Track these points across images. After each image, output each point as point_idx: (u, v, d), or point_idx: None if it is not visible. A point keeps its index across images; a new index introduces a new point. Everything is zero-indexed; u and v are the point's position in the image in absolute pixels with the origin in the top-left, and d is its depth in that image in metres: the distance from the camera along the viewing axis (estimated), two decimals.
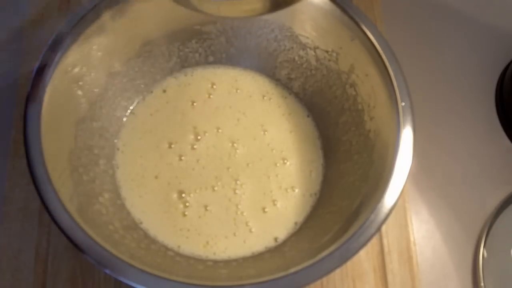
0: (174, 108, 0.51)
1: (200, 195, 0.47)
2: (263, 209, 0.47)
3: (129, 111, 0.50)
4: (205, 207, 0.47)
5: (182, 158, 0.49)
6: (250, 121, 0.51)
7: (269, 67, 0.52)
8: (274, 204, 0.48)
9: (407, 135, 0.40)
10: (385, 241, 0.48)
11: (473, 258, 0.50)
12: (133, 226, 0.45)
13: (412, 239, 0.48)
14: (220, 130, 0.50)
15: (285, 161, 0.50)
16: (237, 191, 0.48)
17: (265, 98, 0.52)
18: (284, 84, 0.53)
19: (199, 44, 0.51)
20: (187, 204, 0.47)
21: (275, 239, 0.47)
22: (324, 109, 0.50)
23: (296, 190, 0.49)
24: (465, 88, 0.57)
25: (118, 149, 0.49)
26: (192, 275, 0.42)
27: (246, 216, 0.47)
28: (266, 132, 0.51)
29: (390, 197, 0.38)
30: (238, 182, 0.48)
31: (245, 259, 0.46)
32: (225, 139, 0.50)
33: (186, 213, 0.47)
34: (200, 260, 0.45)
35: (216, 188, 0.48)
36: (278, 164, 0.49)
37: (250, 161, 0.49)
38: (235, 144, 0.50)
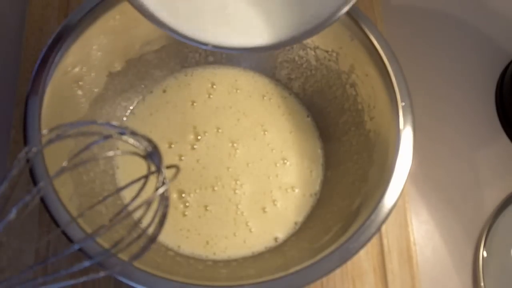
0: (174, 108, 0.51)
1: (200, 195, 0.47)
2: (263, 209, 0.47)
3: (129, 111, 0.50)
4: (205, 207, 0.47)
5: (182, 158, 0.49)
6: (250, 121, 0.51)
7: (269, 67, 0.52)
8: (274, 204, 0.48)
9: (407, 135, 0.40)
10: (385, 241, 0.48)
11: (473, 258, 0.50)
12: (133, 226, 0.45)
13: (412, 239, 0.48)
14: (220, 130, 0.50)
15: (285, 161, 0.50)
16: (237, 191, 0.48)
17: (265, 98, 0.52)
18: (284, 84, 0.53)
19: None
20: (187, 204, 0.47)
21: (275, 239, 0.47)
22: (324, 109, 0.50)
23: (296, 190, 0.49)
24: (465, 88, 0.57)
25: (118, 149, 0.48)
26: (192, 275, 0.42)
27: (246, 216, 0.47)
28: (266, 132, 0.51)
29: (390, 197, 0.38)
30: (238, 182, 0.48)
31: (245, 259, 0.46)
32: (225, 139, 0.50)
33: (186, 213, 0.47)
34: (200, 260, 0.45)
35: (216, 188, 0.48)
36: (278, 164, 0.49)
37: (250, 161, 0.49)
38: (235, 144, 0.50)
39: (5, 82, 0.52)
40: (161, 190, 0.30)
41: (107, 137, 0.31)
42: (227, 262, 0.45)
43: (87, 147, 0.30)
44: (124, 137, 0.31)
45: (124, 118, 0.50)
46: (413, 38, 0.58)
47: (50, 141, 0.30)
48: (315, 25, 0.35)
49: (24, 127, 0.38)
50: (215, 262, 0.45)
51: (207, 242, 0.46)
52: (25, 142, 0.37)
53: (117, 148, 0.48)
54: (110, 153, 0.35)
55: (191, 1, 0.35)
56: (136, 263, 0.35)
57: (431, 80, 0.57)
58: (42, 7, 0.53)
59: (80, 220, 0.36)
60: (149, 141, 0.31)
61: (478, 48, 0.59)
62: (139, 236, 0.30)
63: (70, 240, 0.35)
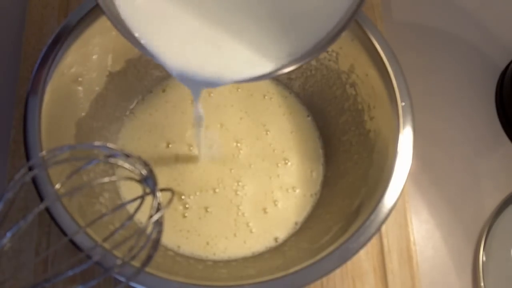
0: (174, 107, 0.51)
1: (201, 197, 0.47)
2: (264, 209, 0.47)
3: (128, 111, 0.50)
4: (206, 208, 0.47)
5: (180, 158, 0.49)
6: (253, 120, 0.51)
7: None
8: (275, 205, 0.48)
9: (407, 135, 0.40)
10: (385, 241, 0.48)
11: (473, 258, 0.50)
12: (133, 226, 0.45)
13: (412, 239, 0.48)
14: (224, 127, 0.50)
15: (286, 161, 0.49)
16: (238, 193, 0.48)
17: (266, 97, 0.52)
18: (284, 84, 0.53)
19: None
20: (186, 206, 0.47)
21: (275, 239, 0.47)
22: (324, 109, 0.50)
23: (297, 191, 0.48)
24: (466, 88, 0.57)
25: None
26: (192, 275, 0.42)
27: (247, 217, 0.47)
28: (268, 132, 0.50)
29: (390, 197, 0.38)
30: (240, 183, 0.48)
31: (245, 259, 0.45)
32: (229, 137, 0.50)
33: (186, 214, 0.46)
34: (200, 260, 0.45)
35: (217, 190, 0.48)
36: (279, 165, 0.49)
37: (252, 161, 0.49)
38: (238, 144, 0.50)
39: (5, 82, 0.52)
40: (155, 217, 0.30)
41: (103, 160, 0.31)
42: (227, 262, 0.45)
43: (79, 169, 0.30)
44: (120, 162, 0.31)
45: (124, 118, 0.50)
46: (413, 38, 0.58)
47: (47, 166, 0.30)
48: (291, 60, 0.33)
49: (24, 127, 0.38)
50: (215, 262, 0.45)
51: (207, 243, 0.46)
52: (25, 142, 0.37)
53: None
54: (106, 179, 0.35)
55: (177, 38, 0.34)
56: (135, 263, 0.35)
57: (431, 80, 0.57)
58: (42, 7, 0.53)
59: (80, 220, 0.36)
60: (145, 164, 0.31)
61: (478, 48, 0.59)
62: (134, 257, 0.30)
63: (70, 240, 0.35)
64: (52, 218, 0.35)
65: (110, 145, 0.31)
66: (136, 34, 0.32)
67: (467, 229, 0.51)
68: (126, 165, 0.31)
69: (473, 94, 0.57)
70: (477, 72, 0.58)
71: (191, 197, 0.47)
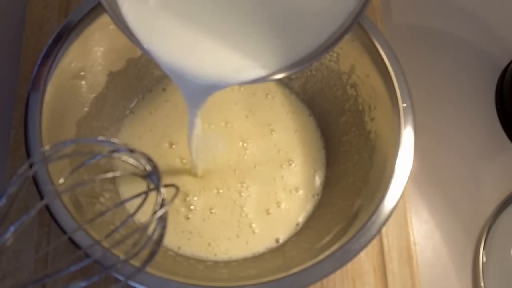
0: (174, 106, 0.51)
1: (205, 198, 0.47)
2: (267, 210, 0.47)
3: (128, 110, 0.50)
4: (210, 210, 0.47)
5: (184, 161, 0.48)
6: (258, 119, 0.51)
7: None
8: (278, 206, 0.48)
9: (408, 136, 0.40)
10: (385, 241, 0.48)
11: (473, 258, 0.50)
12: (133, 226, 0.45)
13: (412, 239, 0.48)
14: (228, 125, 0.50)
15: (291, 162, 0.49)
16: (242, 194, 0.48)
17: (268, 96, 0.52)
18: (284, 84, 0.52)
19: None
20: (191, 207, 0.47)
21: (277, 240, 0.47)
22: (325, 109, 0.50)
23: (300, 192, 0.48)
24: (465, 88, 0.57)
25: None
26: (192, 275, 0.42)
27: (250, 218, 0.47)
28: (273, 132, 0.50)
29: (390, 199, 0.38)
30: (244, 184, 0.48)
31: (245, 259, 0.45)
32: (235, 136, 0.50)
33: (189, 216, 0.46)
34: (201, 260, 0.45)
35: (221, 191, 0.48)
36: (283, 166, 0.49)
37: (258, 162, 0.49)
38: (245, 144, 0.49)
39: (5, 82, 0.52)
40: (159, 213, 0.29)
41: (107, 155, 0.31)
42: (228, 263, 0.45)
43: (83, 164, 0.30)
44: (124, 157, 0.30)
45: (124, 118, 0.50)
46: (414, 39, 0.58)
47: (49, 160, 0.30)
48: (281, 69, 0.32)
49: (25, 126, 0.38)
50: (216, 262, 0.45)
51: (209, 244, 0.46)
52: (26, 141, 0.37)
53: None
54: (109, 175, 0.35)
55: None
56: (135, 263, 0.35)
57: (432, 81, 0.57)
58: (42, 7, 0.53)
59: (80, 220, 0.36)
60: (150, 160, 0.31)
61: (478, 48, 0.59)
62: (137, 253, 0.30)
63: (70, 240, 0.35)
64: (52, 216, 0.35)
65: (114, 140, 0.31)
66: (138, 36, 0.32)
67: (467, 229, 0.51)
68: (131, 160, 0.31)
69: (473, 94, 0.57)
70: (477, 72, 0.58)
71: (195, 198, 0.47)
